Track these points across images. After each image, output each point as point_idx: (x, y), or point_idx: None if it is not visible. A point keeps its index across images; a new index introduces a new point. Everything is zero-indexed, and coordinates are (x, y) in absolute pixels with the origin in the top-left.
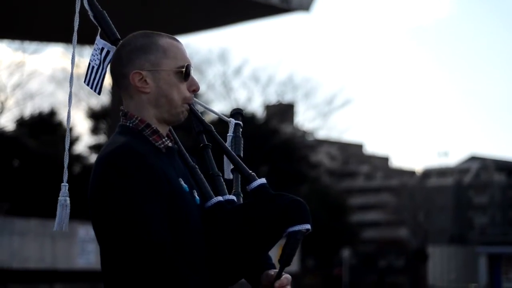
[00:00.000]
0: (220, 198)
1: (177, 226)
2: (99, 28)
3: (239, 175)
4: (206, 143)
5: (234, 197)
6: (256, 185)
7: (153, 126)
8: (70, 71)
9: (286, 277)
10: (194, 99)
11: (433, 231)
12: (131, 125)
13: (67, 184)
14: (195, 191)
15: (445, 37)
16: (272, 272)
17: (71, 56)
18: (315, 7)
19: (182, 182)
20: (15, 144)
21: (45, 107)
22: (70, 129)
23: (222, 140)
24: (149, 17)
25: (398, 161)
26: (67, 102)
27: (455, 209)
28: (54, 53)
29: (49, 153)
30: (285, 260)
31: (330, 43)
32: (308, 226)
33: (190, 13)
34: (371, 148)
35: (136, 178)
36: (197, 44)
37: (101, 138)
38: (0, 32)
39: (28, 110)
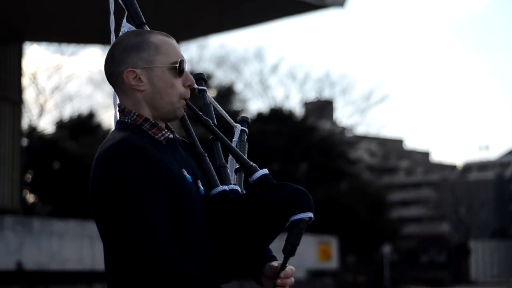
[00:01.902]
0: (225, 187)
1: (180, 218)
2: (125, 11)
3: (242, 174)
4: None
5: (238, 187)
6: (258, 176)
7: (151, 120)
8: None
9: (290, 268)
10: (208, 95)
11: (474, 225)
12: (129, 120)
13: None
14: (199, 181)
15: (483, 29)
16: (276, 263)
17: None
18: (350, 3)
19: (185, 173)
20: (55, 147)
21: (83, 109)
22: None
23: (221, 134)
24: (182, 15)
25: (438, 156)
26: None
27: (496, 203)
28: (91, 55)
29: (88, 155)
30: (289, 250)
31: (365, 38)
32: (310, 215)
33: (225, 12)
34: (411, 143)
35: (135, 173)
36: (233, 43)
37: None
38: (37, 34)
39: (67, 113)
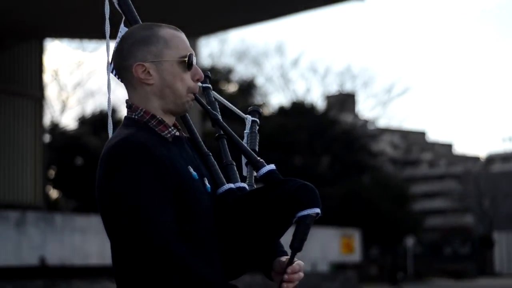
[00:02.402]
0: (231, 185)
1: (186, 215)
2: (123, 16)
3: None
4: (221, 133)
5: (245, 185)
6: (265, 171)
7: (158, 117)
8: (110, 60)
9: (298, 263)
10: (213, 92)
11: (498, 217)
12: (136, 117)
13: None
14: (206, 179)
15: (506, 19)
16: (284, 259)
17: (106, 45)
18: None
19: (192, 170)
20: (77, 143)
21: (105, 105)
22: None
23: (229, 129)
24: (203, 10)
25: (461, 148)
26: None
27: None
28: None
29: None
30: (296, 246)
31: (386, 30)
32: (317, 210)
33: (245, 6)
34: (434, 135)
35: (140, 170)
36: (253, 37)
37: None
38: (58, 31)
39: (89, 108)
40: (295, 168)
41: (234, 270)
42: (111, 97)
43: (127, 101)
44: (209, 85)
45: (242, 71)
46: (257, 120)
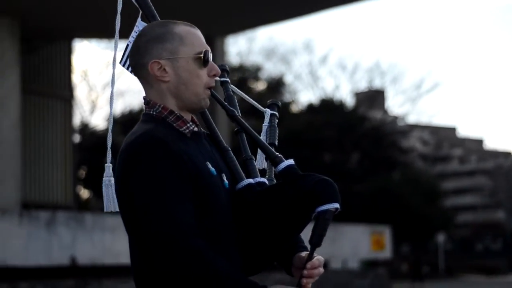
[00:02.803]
0: (250, 180)
1: (205, 210)
2: (140, 10)
3: None
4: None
5: (265, 180)
6: (283, 166)
7: (176, 112)
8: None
9: (317, 258)
10: (232, 86)
11: None
12: (154, 113)
13: (111, 165)
14: (224, 174)
15: None
16: (304, 254)
17: (114, 40)
18: None
19: (210, 166)
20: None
21: (135, 104)
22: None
23: (246, 124)
24: (230, 8)
25: (492, 143)
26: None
27: None
28: None
29: None
30: (315, 241)
31: (415, 26)
32: (337, 205)
33: (273, 3)
34: (464, 131)
35: (158, 165)
36: (282, 35)
37: None
38: (87, 31)
39: (119, 108)
40: (324, 165)
41: (253, 265)
42: (113, 92)
43: (144, 98)
44: (227, 79)
45: (270, 69)
46: (276, 113)
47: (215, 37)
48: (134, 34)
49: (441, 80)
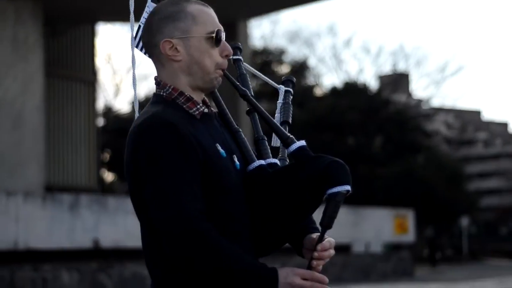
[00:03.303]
0: (262, 161)
1: (215, 192)
2: None
3: None
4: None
5: (276, 160)
6: (295, 147)
7: (186, 94)
8: (134, 37)
9: (328, 240)
10: (244, 63)
11: None
12: (164, 94)
13: None
14: (235, 156)
15: None
16: (315, 235)
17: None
18: None
19: (220, 148)
20: (131, 126)
21: None
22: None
23: (257, 104)
24: None
25: None
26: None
27: None
28: None
29: None
30: (326, 223)
31: (439, 8)
32: (348, 188)
33: None
34: (489, 114)
35: (166, 147)
36: (305, 18)
37: None
38: (112, 14)
39: (143, 91)
40: (347, 149)
41: (264, 247)
42: (135, 73)
43: (155, 78)
44: (240, 57)
45: (294, 52)
46: (291, 90)
47: (238, 20)
48: (145, 14)
49: (465, 63)
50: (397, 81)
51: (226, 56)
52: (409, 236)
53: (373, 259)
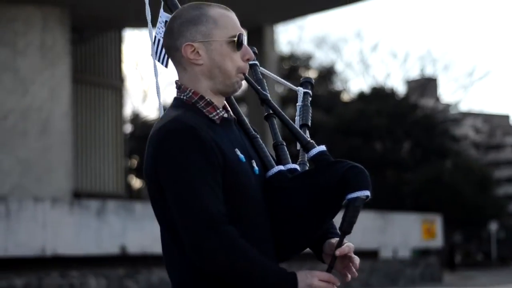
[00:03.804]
0: (281, 167)
1: (234, 197)
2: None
3: None
4: (271, 112)
5: (296, 166)
6: (315, 152)
7: (207, 98)
8: (156, 46)
9: (347, 245)
10: (261, 68)
11: None
12: (185, 98)
13: None
14: (254, 161)
15: None
16: (334, 240)
17: (148, 30)
18: None
19: (239, 153)
20: None
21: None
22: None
23: (278, 109)
24: None
25: None
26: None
27: None
28: None
29: None
30: (345, 228)
31: (466, 13)
32: (367, 193)
33: None
34: None
35: (187, 152)
36: (332, 23)
37: None
38: (138, 21)
39: (170, 97)
40: (375, 154)
41: (284, 252)
42: (158, 82)
43: (176, 82)
44: (256, 62)
45: (321, 57)
46: (310, 91)
47: (265, 25)
48: (159, 25)
49: (493, 67)
50: (424, 85)
51: (248, 60)
52: (437, 242)
53: (401, 264)
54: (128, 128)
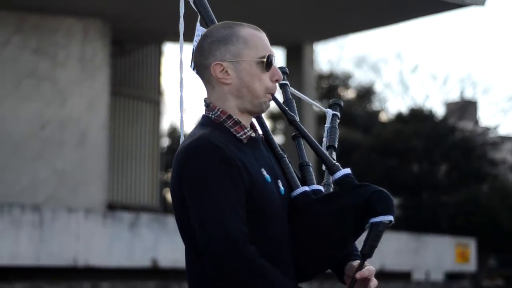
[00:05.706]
0: (306, 188)
1: (258, 217)
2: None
3: None
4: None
5: (321, 187)
6: (340, 175)
7: (234, 117)
8: (182, 59)
9: (368, 268)
10: (291, 88)
11: None
12: (213, 116)
13: None
14: (279, 181)
15: None
16: (355, 263)
17: (179, 43)
18: (490, 0)
19: (265, 172)
20: None
21: None
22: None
23: (305, 130)
24: (320, 14)
25: None
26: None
27: None
28: None
29: None
30: (366, 252)
31: (507, 36)
32: (391, 218)
33: (363, 11)
34: None
35: (211, 170)
36: (372, 43)
37: (278, 139)
38: (178, 35)
39: (201, 111)
40: (412, 175)
41: (306, 273)
42: (183, 96)
43: (205, 100)
44: (287, 82)
45: (360, 77)
46: (338, 113)
47: (304, 43)
48: (196, 38)
49: None
50: (464, 108)
51: (276, 80)
52: (471, 266)
53: (433, 287)
54: (165, 141)
